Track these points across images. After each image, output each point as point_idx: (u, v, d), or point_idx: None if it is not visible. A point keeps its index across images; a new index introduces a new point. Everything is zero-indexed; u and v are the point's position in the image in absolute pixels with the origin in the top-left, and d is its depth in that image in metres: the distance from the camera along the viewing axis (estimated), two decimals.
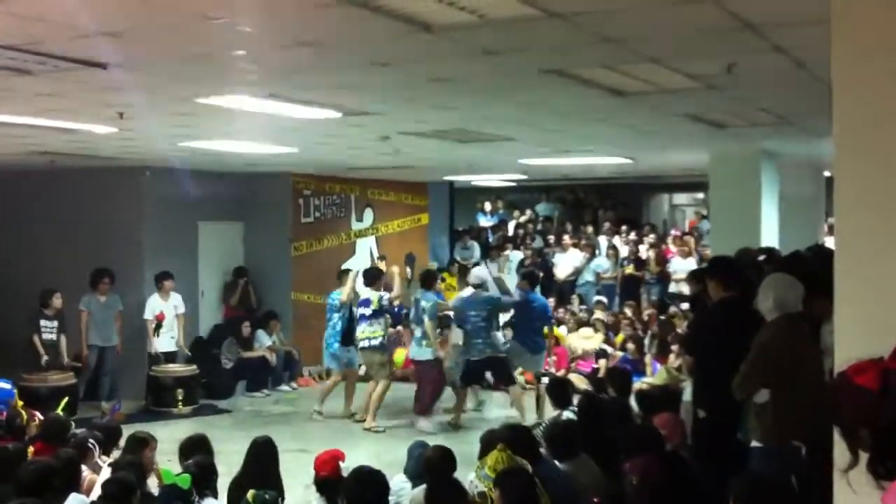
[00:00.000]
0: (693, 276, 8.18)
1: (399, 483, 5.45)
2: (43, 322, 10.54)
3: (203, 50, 4.81)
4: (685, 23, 4.32)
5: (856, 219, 3.17)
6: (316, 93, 6.17)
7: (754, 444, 4.98)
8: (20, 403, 7.51)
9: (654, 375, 10.04)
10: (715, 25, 4.33)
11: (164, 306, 11.32)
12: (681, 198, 19.54)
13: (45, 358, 10.36)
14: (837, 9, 3.15)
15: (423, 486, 5.05)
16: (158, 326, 11.24)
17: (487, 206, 18.88)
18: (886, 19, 3.04)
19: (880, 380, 2.05)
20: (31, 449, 6.08)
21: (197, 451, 5.61)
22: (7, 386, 7.71)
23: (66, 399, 8.09)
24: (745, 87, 6.15)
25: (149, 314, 11.25)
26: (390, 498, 5.03)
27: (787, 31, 4.45)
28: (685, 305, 11.10)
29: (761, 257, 7.48)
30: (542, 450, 5.54)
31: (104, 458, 6.10)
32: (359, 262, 14.82)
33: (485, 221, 18.55)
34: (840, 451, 2.24)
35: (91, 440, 6.20)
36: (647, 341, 11.87)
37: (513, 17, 4.12)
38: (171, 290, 11.31)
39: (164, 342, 11.38)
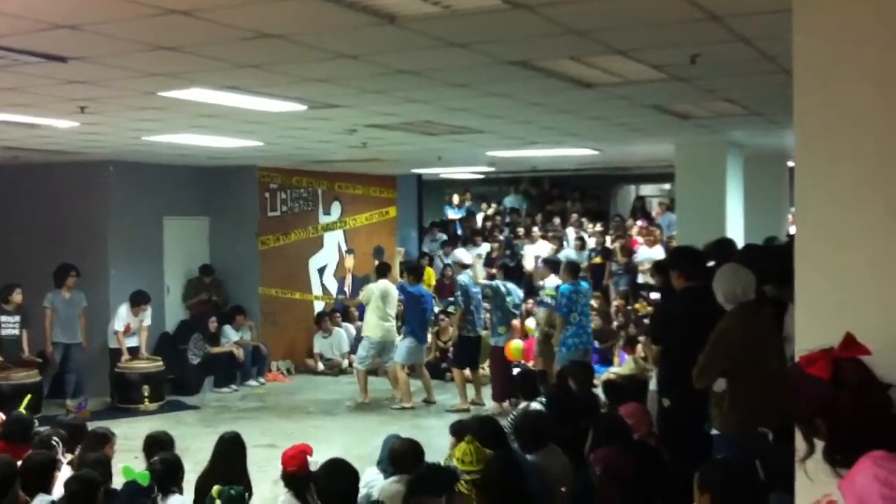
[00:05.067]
0: (656, 268, 8.23)
1: (371, 475, 5.45)
2: (3, 318, 10.38)
3: (164, 43, 4.76)
4: (649, 14, 4.34)
5: (816, 209, 3.20)
6: (280, 86, 6.13)
7: (714, 431, 5.05)
8: None
9: (621, 365, 10.12)
10: (679, 16, 4.35)
11: (133, 319, 11.23)
12: (648, 189, 19.63)
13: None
14: None
15: (395, 478, 5.03)
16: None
17: (455, 198, 18.88)
18: (848, 9, 3.06)
19: (831, 369, 2.07)
20: None
21: (159, 448, 5.56)
22: None
23: (28, 397, 7.96)
24: (709, 78, 6.20)
25: (119, 325, 11.14)
26: (361, 489, 5.03)
27: (751, 20, 4.48)
28: (655, 295, 11.17)
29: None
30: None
31: (68, 455, 6.02)
32: (327, 256, 14.82)
33: (453, 214, 18.55)
34: (800, 439, 2.26)
35: (55, 438, 6.11)
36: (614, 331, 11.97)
37: (478, 9, 4.11)
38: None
39: (128, 340, 11.30)
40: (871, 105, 3.02)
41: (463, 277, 11.01)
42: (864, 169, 3.04)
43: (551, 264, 11.17)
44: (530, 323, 12.28)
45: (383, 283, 11.22)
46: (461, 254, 11.88)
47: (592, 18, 4.41)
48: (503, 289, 10.57)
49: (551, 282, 10.58)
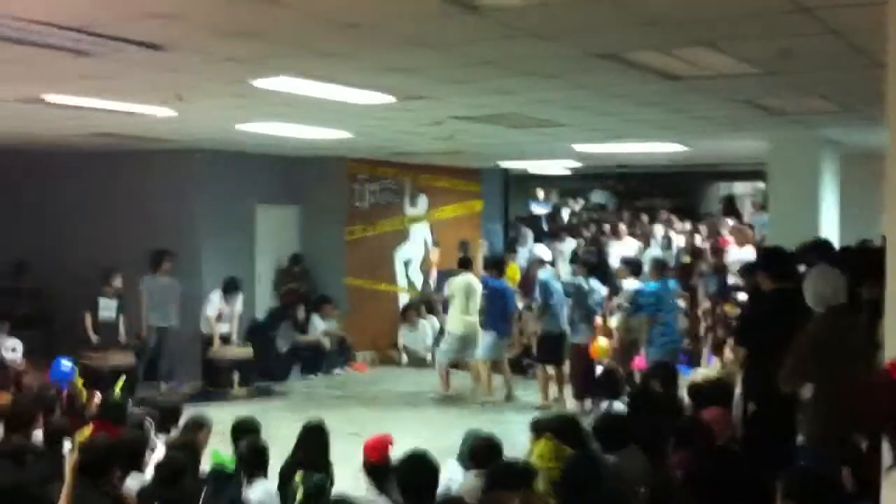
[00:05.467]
0: (745, 269, 8.05)
1: (452, 469, 5.46)
2: (102, 301, 10.76)
3: (255, 31, 4.84)
4: (738, 5, 4.24)
5: None
6: (365, 75, 6.16)
7: (800, 438, 4.92)
8: (81, 382, 7.69)
9: (709, 367, 9.93)
10: (768, 7, 4.25)
11: (225, 306, 11.51)
12: (740, 187, 19.12)
13: (95, 337, 10.59)
14: None
15: (474, 473, 5.05)
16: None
17: (541, 193, 18.78)
18: None
19: None
20: (90, 427, 6.22)
21: (246, 433, 5.69)
22: (69, 365, 7.89)
23: (123, 378, 8.24)
24: (801, 73, 6.02)
25: (211, 311, 11.43)
26: (441, 482, 5.07)
27: (843, 13, 4.35)
28: (743, 296, 10.91)
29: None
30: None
31: (161, 436, 6.23)
32: (413, 248, 14.93)
33: (538, 209, 18.46)
34: (887, 448, 2.19)
35: (148, 418, 6.33)
36: (702, 333, 11.73)
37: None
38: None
39: (220, 326, 11.61)
40: None
41: (543, 274, 10.94)
42: None
43: (631, 265, 10.97)
44: (614, 322, 12.12)
45: (466, 278, 11.25)
46: (540, 250, 11.80)
47: (679, 10, 4.33)
48: (585, 286, 10.47)
49: (630, 284, 10.40)
